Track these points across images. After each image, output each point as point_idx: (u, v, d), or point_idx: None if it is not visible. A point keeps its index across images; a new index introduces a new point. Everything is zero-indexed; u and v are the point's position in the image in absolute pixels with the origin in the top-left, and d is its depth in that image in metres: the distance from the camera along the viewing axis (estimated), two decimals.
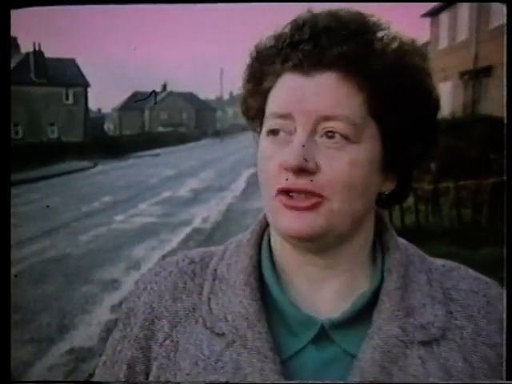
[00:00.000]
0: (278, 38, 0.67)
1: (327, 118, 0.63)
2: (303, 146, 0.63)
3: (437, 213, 7.42)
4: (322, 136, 0.64)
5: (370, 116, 0.65)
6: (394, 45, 0.66)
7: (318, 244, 0.67)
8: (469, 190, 7.44)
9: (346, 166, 0.64)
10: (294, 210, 0.64)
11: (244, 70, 0.71)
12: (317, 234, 0.65)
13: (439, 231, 7.03)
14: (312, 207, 0.64)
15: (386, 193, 0.70)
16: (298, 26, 0.66)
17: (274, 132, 0.66)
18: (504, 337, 0.70)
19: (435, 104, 0.69)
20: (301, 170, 0.63)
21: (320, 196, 0.64)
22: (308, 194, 0.64)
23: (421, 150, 0.69)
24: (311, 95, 0.63)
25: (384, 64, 0.64)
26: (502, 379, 0.69)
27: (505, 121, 0.74)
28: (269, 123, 0.67)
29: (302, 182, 0.64)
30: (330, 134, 0.64)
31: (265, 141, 0.67)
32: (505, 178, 0.74)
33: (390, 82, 0.64)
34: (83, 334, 4.64)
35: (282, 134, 0.66)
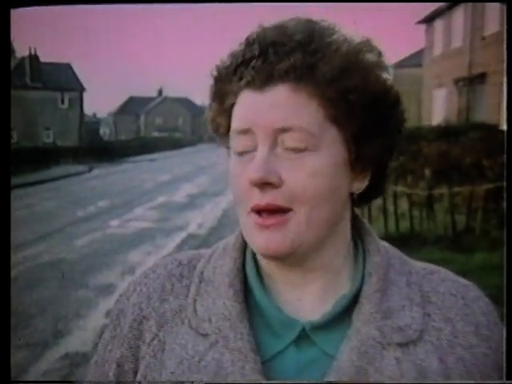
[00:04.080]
0: (234, 56, 0.69)
1: (284, 130, 0.65)
2: (264, 160, 0.65)
3: (431, 219, 7.45)
4: (282, 148, 0.65)
5: (328, 121, 0.66)
6: (345, 46, 0.67)
7: (293, 257, 0.68)
8: (463, 196, 7.46)
9: (308, 175, 0.65)
10: (264, 229, 0.66)
11: (209, 90, 0.72)
12: (289, 250, 0.66)
13: (433, 237, 7.06)
14: (279, 224, 0.65)
15: (357, 192, 0.71)
16: (249, 43, 0.68)
17: (238, 148, 0.68)
18: (504, 336, 0.72)
19: (394, 98, 0.69)
20: (264, 184, 0.65)
21: (287, 210, 0.65)
22: (274, 210, 0.65)
23: (385, 145, 0.70)
24: (266, 109, 0.65)
25: (333, 68, 0.65)
26: (501, 379, 0.70)
27: (505, 127, 0.74)
28: (233, 141, 0.69)
29: (268, 198, 0.65)
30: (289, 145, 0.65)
31: (232, 159, 0.69)
32: (505, 183, 0.75)
33: (341, 85, 0.65)
34: (78, 339, 4.62)
35: (246, 150, 0.67)
